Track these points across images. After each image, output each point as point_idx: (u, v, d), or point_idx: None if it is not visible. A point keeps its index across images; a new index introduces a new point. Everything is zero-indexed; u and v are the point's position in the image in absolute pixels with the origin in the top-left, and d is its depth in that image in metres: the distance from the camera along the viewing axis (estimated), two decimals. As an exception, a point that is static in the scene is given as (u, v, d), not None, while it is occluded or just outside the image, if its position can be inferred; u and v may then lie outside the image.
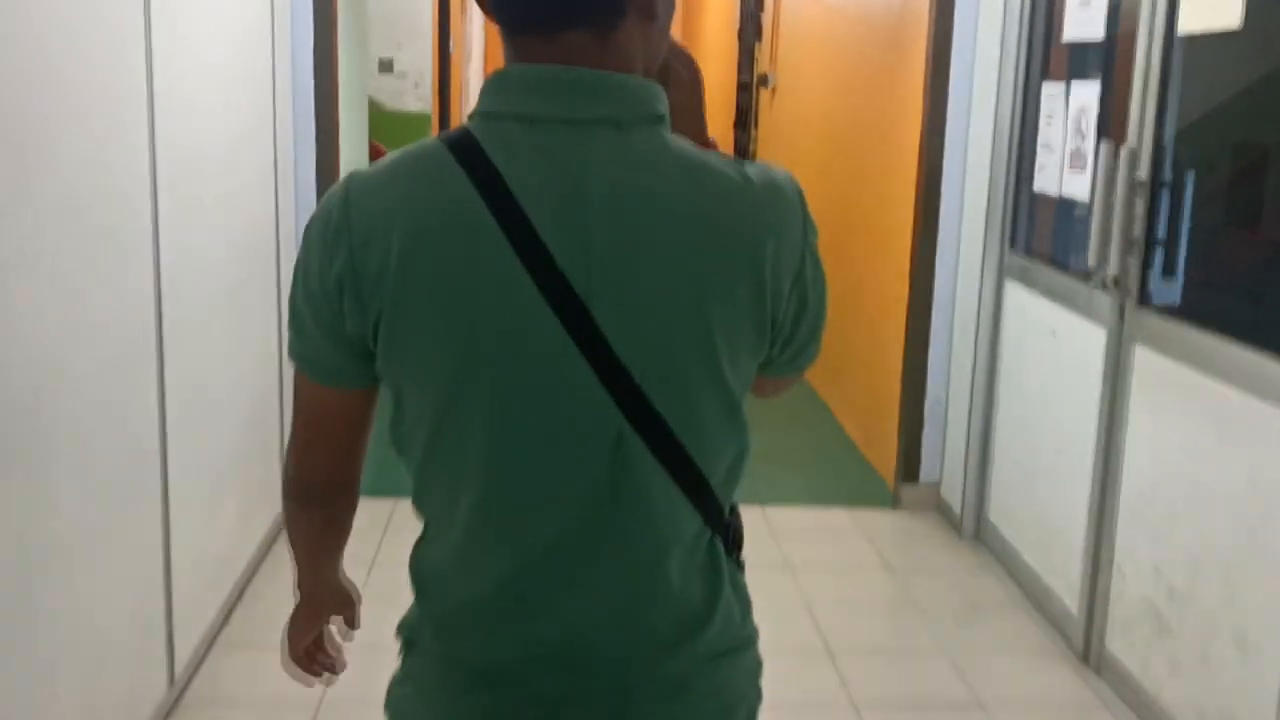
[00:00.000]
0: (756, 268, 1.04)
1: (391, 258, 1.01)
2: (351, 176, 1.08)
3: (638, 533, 1.07)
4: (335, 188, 1.08)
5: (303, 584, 1.31)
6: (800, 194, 1.10)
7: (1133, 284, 2.99)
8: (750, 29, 8.27)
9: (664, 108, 1.07)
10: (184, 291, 2.82)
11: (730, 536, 1.14)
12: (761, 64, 7.83)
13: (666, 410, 1.03)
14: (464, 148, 1.02)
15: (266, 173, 3.68)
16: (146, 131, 2.59)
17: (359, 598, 1.38)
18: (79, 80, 2.24)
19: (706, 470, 1.07)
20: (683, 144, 1.07)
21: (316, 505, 1.21)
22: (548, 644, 1.09)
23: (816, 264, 1.11)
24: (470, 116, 1.07)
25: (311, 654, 1.37)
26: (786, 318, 1.09)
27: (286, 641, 1.36)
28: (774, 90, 7.37)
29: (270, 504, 3.76)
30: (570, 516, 1.06)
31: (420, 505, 1.14)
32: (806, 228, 1.09)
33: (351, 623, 1.38)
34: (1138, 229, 2.97)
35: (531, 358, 1.02)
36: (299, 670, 1.38)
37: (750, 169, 1.08)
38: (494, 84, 1.06)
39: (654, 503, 1.06)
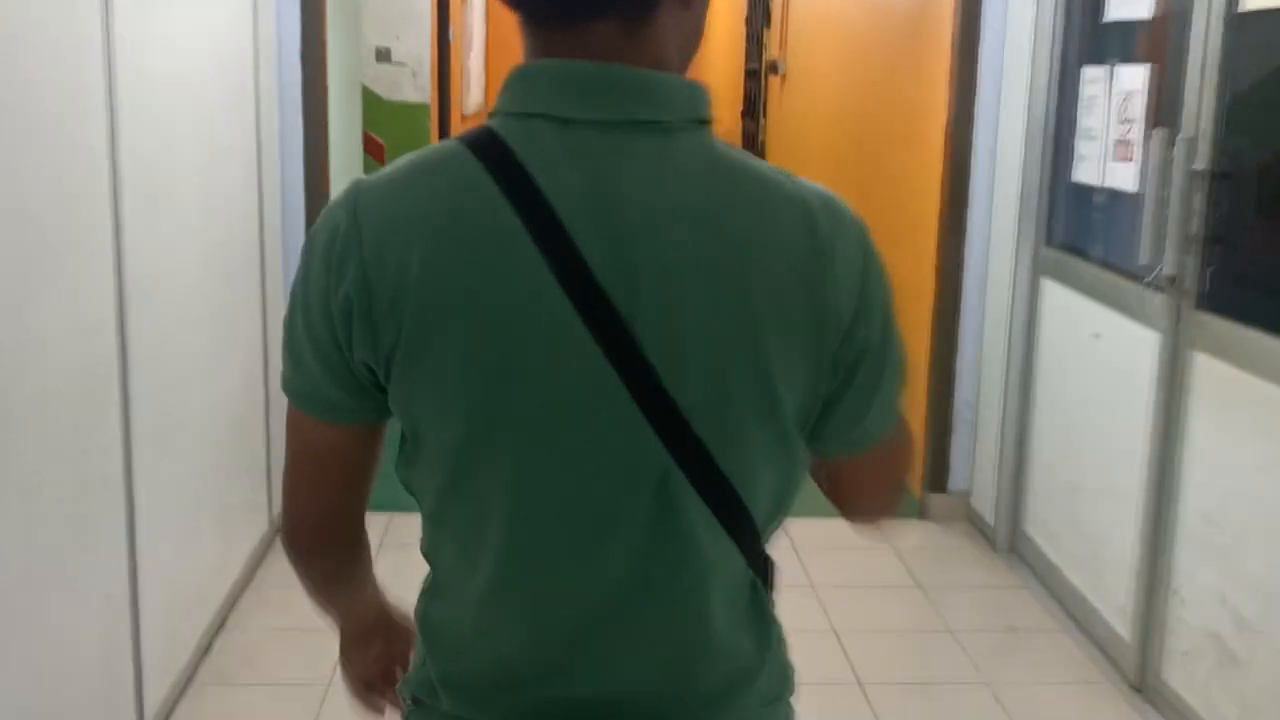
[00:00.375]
0: (815, 290, 0.93)
1: (411, 275, 0.90)
2: (358, 185, 0.96)
3: (682, 581, 0.97)
4: (339, 199, 0.95)
5: (335, 620, 1.21)
6: (864, 227, 0.98)
7: (1191, 284, 2.74)
8: (759, 14, 8.02)
9: (708, 110, 0.96)
10: (152, 303, 2.58)
11: (768, 571, 1.05)
12: (771, 50, 7.58)
13: (716, 446, 0.93)
14: (491, 151, 0.92)
15: (249, 169, 3.43)
16: (105, 125, 2.34)
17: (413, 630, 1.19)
18: (21, 68, 1.99)
19: (754, 508, 0.97)
20: (730, 149, 0.96)
21: (319, 558, 1.10)
22: (582, 705, 0.99)
23: (885, 312, 0.98)
24: (491, 115, 0.96)
25: (381, 689, 1.23)
26: (843, 360, 0.96)
27: (345, 679, 1.24)
28: (784, 78, 7.12)
29: (255, 524, 3.52)
30: (610, 567, 0.95)
31: (432, 551, 1.03)
32: (869, 264, 0.97)
33: (406, 665, 1.21)
34: (1196, 224, 2.71)
35: (568, 388, 0.91)
36: (365, 707, 1.25)
37: (806, 184, 0.97)
38: (520, 80, 0.95)
39: (700, 548, 0.96)
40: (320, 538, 1.07)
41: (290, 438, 1.03)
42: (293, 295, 0.98)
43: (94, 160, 2.30)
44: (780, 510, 1.02)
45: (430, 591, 1.05)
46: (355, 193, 0.94)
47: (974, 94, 3.84)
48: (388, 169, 0.96)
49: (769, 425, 0.95)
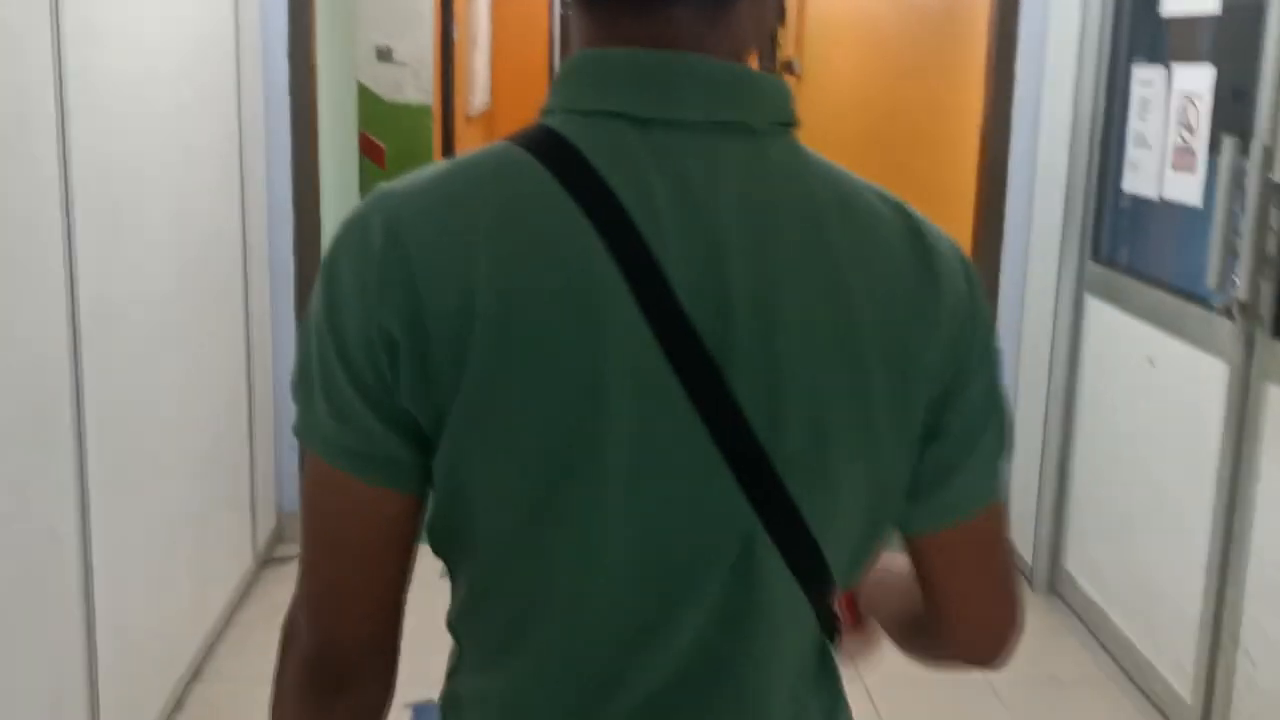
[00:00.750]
0: (926, 322, 0.82)
1: (477, 309, 0.75)
2: (389, 195, 0.80)
3: (755, 652, 0.84)
4: (364, 210, 0.80)
5: None
6: (970, 265, 0.88)
7: (1266, 309, 2.47)
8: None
9: (794, 111, 0.84)
10: (112, 331, 2.32)
11: (834, 627, 0.90)
12: (786, 48, 7.31)
13: (806, 503, 0.81)
14: (559, 156, 0.78)
15: (230, 177, 3.17)
16: (54, 131, 2.08)
17: None
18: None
19: (836, 570, 0.85)
20: (819, 158, 0.85)
21: (343, 693, 0.86)
22: None
23: (993, 353, 0.87)
24: (546, 112, 0.82)
25: None
26: (943, 402, 0.84)
27: None
28: (800, 78, 6.85)
29: (238, 559, 3.27)
30: (678, 641, 0.82)
31: (469, 624, 0.87)
32: (975, 295, 0.86)
33: None
34: (1273, 244, 2.44)
35: (648, 440, 0.78)
36: None
37: (903, 201, 0.86)
38: (585, 70, 0.82)
39: (778, 615, 0.84)
40: (348, 660, 0.84)
41: (322, 514, 0.83)
42: (317, 332, 0.80)
43: (40, 171, 2.05)
44: (858, 567, 0.89)
45: (462, 670, 0.89)
46: (387, 203, 0.79)
47: (1011, 94, 3.56)
48: (423, 175, 0.80)
49: (866, 479, 0.83)
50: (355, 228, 0.79)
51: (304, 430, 0.82)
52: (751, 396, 0.78)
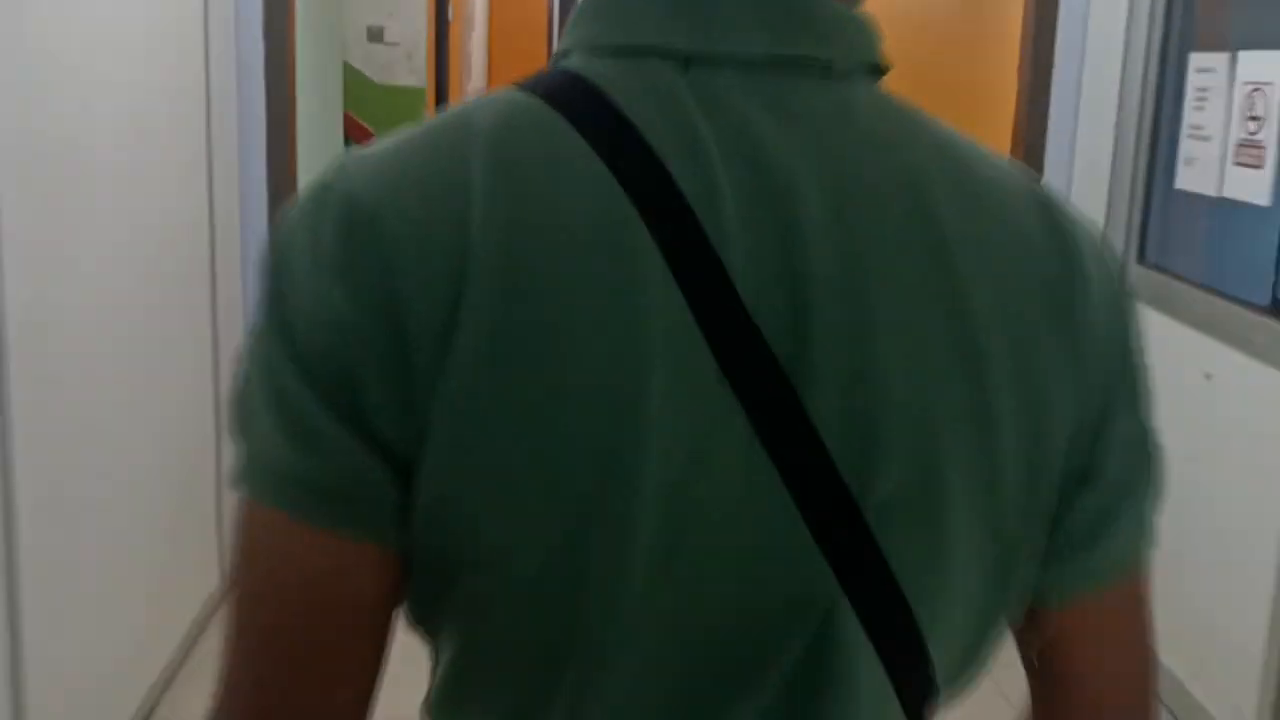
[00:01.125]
0: (1065, 324, 0.64)
1: (470, 294, 0.56)
2: (353, 160, 0.62)
3: None
4: (323, 178, 0.61)
5: None
6: (1117, 258, 0.69)
7: (1350, 324, 2.21)
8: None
9: (881, 52, 0.66)
10: (47, 337, 2.05)
11: None
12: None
13: (905, 569, 0.61)
14: (581, 103, 0.60)
15: (196, 162, 2.89)
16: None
17: None
18: None
19: (940, 668, 0.64)
20: (920, 111, 0.65)
21: None
22: None
23: (1145, 369, 0.69)
24: (563, 54, 0.65)
25: None
26: (1089, 433, 0.66)
27: None
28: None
29: (201, 582, 3.01)
30: None
31: (449, 713, 0.66)
32: (1123, 291, 0.68)
33: None
34: (1360, 249, 2.19)
35: (699, 483, 0.59)
36: None
37: (1037, 180, 0.68)
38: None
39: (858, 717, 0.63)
40: None
41: (273, 596, 0.60)
42: (259, 338, 0.60)
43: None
44: (970, 668, 0.68)
45: None
46: (350, 169, 0.61)
47: (1050, 77, 3.30)
48: (402, 134, 0.63)
49: (987, 537, 0.63)
50: (309, 200, 0.61)
51: (248, 473, 0.60)
52: (834, 423, 0.60)
